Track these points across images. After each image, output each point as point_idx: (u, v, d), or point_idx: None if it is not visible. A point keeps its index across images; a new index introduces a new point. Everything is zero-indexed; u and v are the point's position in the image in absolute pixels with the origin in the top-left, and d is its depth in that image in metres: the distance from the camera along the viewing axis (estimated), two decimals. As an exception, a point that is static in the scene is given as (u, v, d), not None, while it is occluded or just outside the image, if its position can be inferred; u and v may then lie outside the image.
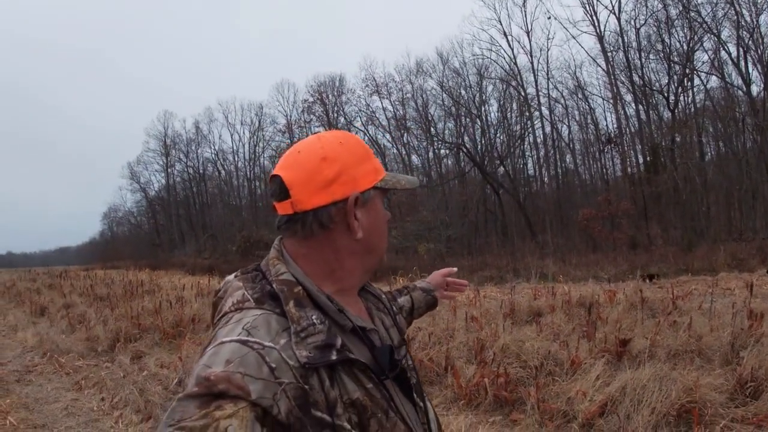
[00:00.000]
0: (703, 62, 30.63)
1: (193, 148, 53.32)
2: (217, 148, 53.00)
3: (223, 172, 53.50)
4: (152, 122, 74.40)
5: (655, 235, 26.80)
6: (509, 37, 37.19)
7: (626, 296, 9.82)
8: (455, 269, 1.88)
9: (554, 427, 4.69)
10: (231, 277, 1.07)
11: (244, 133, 51.34)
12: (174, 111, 77.13)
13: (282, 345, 0.89)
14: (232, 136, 54.65)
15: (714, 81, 30.77)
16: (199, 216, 53.53)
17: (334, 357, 0.91)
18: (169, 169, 54.01)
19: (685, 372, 5.08)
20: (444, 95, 40.36)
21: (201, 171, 53.70)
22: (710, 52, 30.03)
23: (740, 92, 29.50)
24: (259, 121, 50.10)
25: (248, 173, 51.81)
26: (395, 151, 44.68)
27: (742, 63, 28.68)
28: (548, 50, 38.14)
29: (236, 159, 52.03)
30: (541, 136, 38.51)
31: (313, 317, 0.94)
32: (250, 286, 1.01)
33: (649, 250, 23.78)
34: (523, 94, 37.88)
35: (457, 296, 1.95)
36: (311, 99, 45.29)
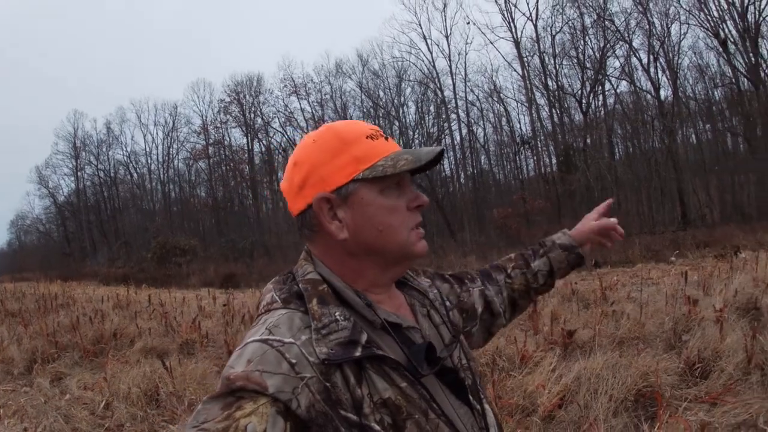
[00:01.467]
0: (615, 68, 32.65)
1: (104, 149, 49.85)
2: (129, 149, 49.92)
3: (135, 175, 50.75)
4: (61, 123, 69.78)
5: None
6: (429, 41, 38.02)
7: (557, 289, 10.03)
8: (614, 219, 1.51)
9: (515, 422, 4.66)
10: (270, 282, 1.06)
11: (157, 134, 48.98)
12: (85, 111, 72.29)
13: (303, 341, 0.88)
14: (144, 137, 51.54)
15: (624, 86, 32.89)
16: (111, 222, 50.43)
17: (358, 353, 0.88)
18: (79, 173, 50.16)
19: (634, 358, 5.21)
20: (363, 97, 40.79)
21: (112, 174, 50.53)
22: (621, 59, 32.07)
23: (649, 96, 31.53)
24: (174, 122, 47.85)
25: (162, 176, 49.38)
26: (313, 152, 44.49)
27: (652, 69, 30.74)
28: (466, 54, 39.18)
29: (149, 161, 49.47)
30: (458, 138, 39.70)
31: (337, 314, 0.92)
32: (279, 287, 1.01)
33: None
34: (440, 96, 38.90)
35: (609, 245, 1.53)
36: (228, 99, 44.36)
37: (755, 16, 27.45)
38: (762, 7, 27.13)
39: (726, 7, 27.94)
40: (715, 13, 28.41)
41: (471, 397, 1.04)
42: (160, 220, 46.51)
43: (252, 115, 44.11)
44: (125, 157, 50.00)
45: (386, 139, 1.03)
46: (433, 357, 0.98)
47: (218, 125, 45.19)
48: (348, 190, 0.98)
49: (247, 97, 44.15)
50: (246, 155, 45.31)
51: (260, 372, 0.82)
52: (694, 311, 6.16)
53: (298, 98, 42.59)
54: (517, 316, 1.51)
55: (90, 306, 12.96)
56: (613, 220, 1.49)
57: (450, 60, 37.84)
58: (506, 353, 6.03)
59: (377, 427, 0.87)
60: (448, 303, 1.23)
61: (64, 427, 5.33)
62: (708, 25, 28.75)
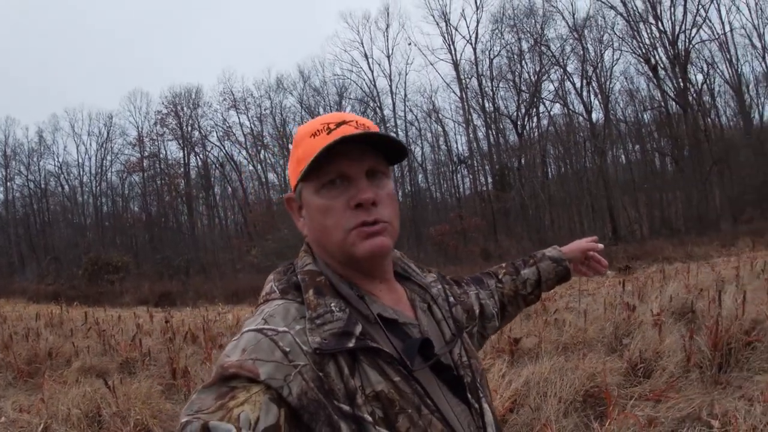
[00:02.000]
0: (550, 92, 34.28)
1: (35, 159, 46.86)
2: (61, 160, 47.15)
3: (66, 187, 48.09)
4: (-8, 129, 65.63)
5: (507, 246, 28.67)
6: (370, 60, 38.70)
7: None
8: (601, 246, 1.64)
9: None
10: (271, 273, 1.07)
11: (91, 144, 46.81)
12: (17, 117, 68.25)
13: (297, 330, 0.89)
14: (77, 147, 48.83)
15: (558, 108, 34.47)
16: (40, 236, 47.45)
17: (351, 344, 0.89)
18: (8, 183, 47.03)
19: (579, 362, 5.42)
20: (303, 113, 40.71)
21: (43, 186, 47.62)
22: (556, 83, 33.66)
23: (581, 118, 33.11)
24: (108, 132, 45.57)
25: (94, 189, 47.02)
26: (251, 168, 44.08)
27: (585, 93, 32.46)
28: (406, 75, 39.92)
29: (82, 173, 46.83)
30: (395, 156, 39.96)
31: (332, 305, 0.93)
32: (278, 278, 1.02)
33: (503, 260, 25.25)
34: (380, 115, 39.44)
35: (593, 275, 1.66)
36: (165, 111, 43.07)
37: (685, 44, 29.46)
38: (692, 35, 29.05)
39: (657, 35, 29.86)
40: (647, 41, 30.42)
41: (469, 395, 1.03)
42: (92, 235, 44.40)
43: (189, 128, 43.16)
44: (57, 168, 47.33)
45: (329, 132, 0.98)
46: (429, 353, 0.98)
47: (154, 137, 43.81)
48: (299, 190, 1.02)
49: (185, 109, 43.20)
50: (182, 169, 44.12)
51: (253, 360, 0.83)
52: (633, 316, 6.48)
53: (237, 112, 42.32)
54: (506, 323, 1.55)
55: (21, 324, 12.30)
56: (601, 246, 1.62)
57: (390, 79, 38.67)
58: (455, 361, 6.13)
59: (369, 419, 0.86)
60: (452, 299, 1.20)
61: (1, 452, 5.06)
62: (640, 51, 30.71)
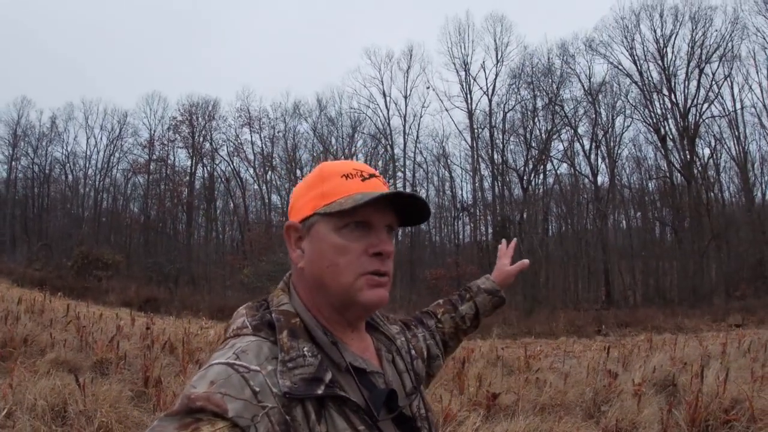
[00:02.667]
0: (559, 150, 34.72)
1: (44, 144, 46.93)
2: (69, 149, 47.18)
3: (70, 176, 48.06)
4: (7, 106, 65.29)
5: (499, 299, 28.54)
6: (387, 98, 39.19)
7: (483, 353, 10.26)
8: (527, 262, 1.75)
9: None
10: (241, 307, 1.06)
11: (101, 138, 46.81)
12: (33, 99, 68.48)
13: (268, 371, 0.89)
14: (88, 139, 49.10)
15: (565, 168, 34.85)
16: (36, 221, 47.09)
17: (320, 391, 0.89)
18: (13, 162, 46.85)
19: (554, 424, 5.35)
20: (315, 140, 40.98)
21: (47, 171, 47.46)
22: (566, 143, 34.16)
23: (587, 180, 33.38)
24: (120, 130, 45.75)
25: (97, 183, 46.86)
26: (256, 187, 44.04)
27: (593, 155, 32.81)
28: (421, 117, 40.19)
29: (87, 165, 46.78)
30: (401, 197, 40.16)
31: (305, 349, 0.93)
32: (251, 314, 1.01)
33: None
34: (390, 153, 39.68)
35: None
36: (180, 118, 43.30)
37: (696, 117, 29.87)
38: (703, 109, 29.45)
39: (669, 106, 30.28)
40: (659, 111, 30.79)
41: None
42: (87, 228, 44.26)
43: (201, 139, 43.35)
44: (64, 156, 47.43)
45: (364, 180, 1.03)
46: (393, 404, 1.00)
47: (165, 142, 43.92)
48: (311, 223, 1.02)
49: (200, 119, 43.43)
50: (187, 178, 44.12)
51: (222, 395, 0.82)
52: (614, 384, 6.41)
53: (250, 130, 42.54)
54: (449, 356, 1.61)
55: (2, 306, 12.16)
56: (527, 261, 1.75)
57: (405, 120, 39.10)
58: (429, 412, 6.03)
59: None
60: (413, 352, 1.24)
61: (-37, 433, 4.96)
62: (650, 121, 31.14)
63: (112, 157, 46.14)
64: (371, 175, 1.04)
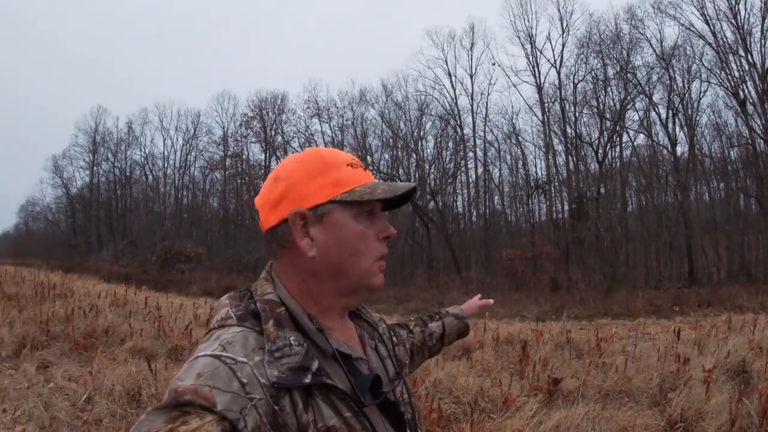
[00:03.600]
0: (634, 121, 32.83)
1: (123, 148, 50.06)
2: (147, 151, 50.19)
3: (150, 177, 50.93)
4: (84, 116, 70.23)
5: (576, 278, 27.74)
6: (453, 78, 38.46)
7: (552, 336, 9.98)
8: (491, 301, 1.85)
9: (488, 465, 4.59)
10: (224, 297, 1.05)
11: (177, 139, 49.27)
12: (108, 107, 72.73)
13: (255, 362, 0.88)
14: (164, 141, 51.79)
15: (642, 139, 32.99)
16: (120, 221, 50.41)
17: (307, 380, 0.89)
18: (95, 168, 50.22)
19: (616, 412, 5.13)
20: (384, 126, 41.00)
21: (128, 173, 50.67)
22: (641, 112, 32.28)
23: (665, 151, 31.61)
24: (195, 130, 48.15)
25: (176, 181, 49.55)
26: (329, 175, 44.67)
27: (670, 124, 30.83)
28: (488, 95, 39.24)
29: (166, 165, 49.68)
30: (473, 176, 39.82)
31: (291, 338, 0.93)
32: (235, 304, 1.00)
33: (571, 292, 24.55)
34: (459, 133, 39.09)
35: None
36: (251, 114, 44.57)
37: (775, 79, 27.56)
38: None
39: (747, 68, 28.07)
40: (736, 74, 28.52)
41: (409, 431, 1.07)
42: (169, 224, 46.62)
43: (272, 133, 44.45)
44: (142, 158, 50.35)
45: (364, 170, 1.07)
46: (378, 389, 1.00)
47: (238, 138, 45.52)
48: (324, 210, 1.00)
49: (270, 114, 44.50)
50: (262, 171, 45.40)
51: (210, 387, 0.81)
52: (683, 370, 6.06)
53: (320, 121, 43.01)
54: (412, 371, 1.62)
55: (87, 300, 12.87)
56: (491, 301, 1.86)
57: (472, 99, 38.25)
58: (490, 395, 5.96)
59: None
60: (395, 339, 1.27)
61: (43, 414, 5.33)
62: (728, 84, 28.86)
63: (188, 156, 48.59)
64: (365, 166, 1.09)
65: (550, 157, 34.99)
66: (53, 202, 57.04)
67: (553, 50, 35.58)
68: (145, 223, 48.90)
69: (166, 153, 49.54)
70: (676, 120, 30.72)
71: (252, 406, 0.83)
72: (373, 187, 1.03)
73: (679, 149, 30.69)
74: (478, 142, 38.94)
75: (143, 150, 50.34)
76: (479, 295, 1.87)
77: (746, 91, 28.41)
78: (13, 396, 5.88)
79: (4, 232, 79.24)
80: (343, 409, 0.92)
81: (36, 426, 5.15)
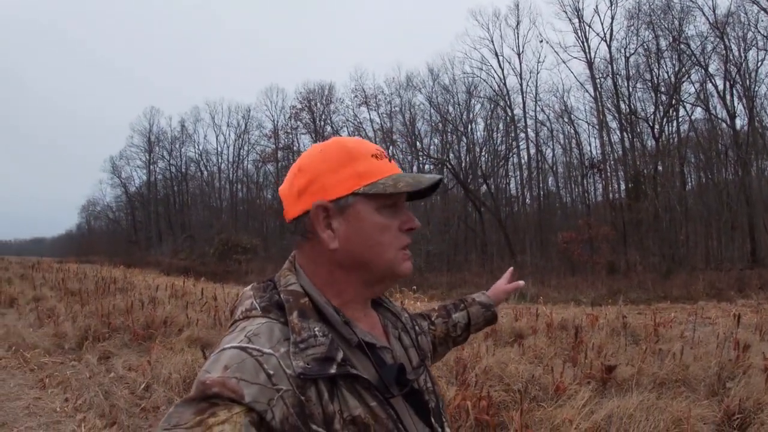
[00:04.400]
0: (690, 94, 31.32)
1: (177, 146, 52.45)
2: (201, 148, 52.20)
3: (205, 172, 52.80)
4: (138, 118, 72.74)
5: (634, 261, 27.00)
6: (500, 58, 37.74)
7: (608, 321, 9.77)
8: (521, 283, 1.76)
9: (538, 453, 4.56)
10: (247, 287, 1.06)
11: (229, 135, 50.99)
12: (160, 108, 75.44)
13: (281, 353, 0.88)
14: (217, 137, 53.97)
15: (699, 113, 31.48)
16: (178, 216, 52.54)
17: (333, 370, 0.89)
18: (151, 166, 52.90)
19: (671, 402, 5.00)
20: (432, 111, 40.83)
21: (183, 170, 52.81)
22: (697, 85, 30.78)
23: (724, 125, 30.15)
24: (246, 124, 49.62)
25: (231, 176, 51.23)
26: (379, 162, 44.84)
27: (728, 96, 29.33)
28: (538, 73, 38.46)
29: (220, 161, 51.43)
30: (525, 158, 39.16)
31: (316, 329, 0.93)
32: (259, 295, 1.01)
33: (628, 275, 23.93)
34: (510, 114, 38.43)
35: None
36: (299, 106, 45.27)
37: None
38: None
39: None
40: None
41: (433, 420, 1.06)
42: (226, 217, 47.96)
43: (322, 123, 44.96)
44: (197, 155, 52.26)
45: (389, 160, 1.06)
46: (404, 379, 1.01)
47: (288, 131, 46.40)
48: (347, 202, 1.00)
49: (318, 105, 45.13)
50: (314, 162, 46.11)
51: (237, 380, 0.82)
52: (743, 357, 5.85)
53: (368, 109, 43.21)
54: (436, 361, 1.61)
55: (147, 293, 13.40)
56: (521, 283, 1.76)
57: (521, 78, 37.49)
58: (541, 383, 5.91)
59: None
60: (417, 328, 1.26)
61: (103, 402, 5.62)
62: None
63: (241, 151, 50.05)
64: (390, 156, 1.08)
65: (604, 134, 33.94)
66: (113, 201, 59.89)
67: (602, 23, 34.86)
68: (202, 218, 50.57)
69: (219, 149, 51.41)
70: (734, 91, 29.13)
71: (279, 397, 0.84)
72: (396, 179, 1.02)
73: (738, 122, 29.11)
74: (530, 122, 38.23)
75: (197, 147, 52.32)
76: (507, 275, 1.78)
77: (807, 58, 26.79)
78: (75, 386, 6.21)
79: (67, 231, 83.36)
80: (368, 398, 0.93)
81: (96, 414, 5.43)
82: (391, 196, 1.02)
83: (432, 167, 39.98)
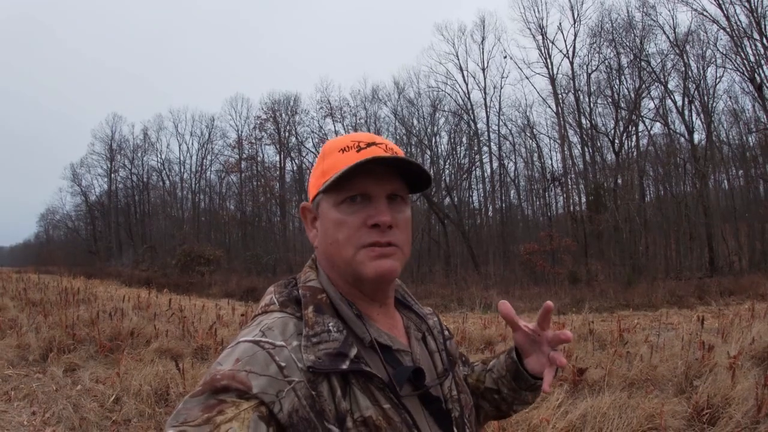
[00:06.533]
0: (649, 109, 32.42)
1: (139, 155, 50.96)
2: (163, 157, 51.00)
3: (167, 182, 51.66)
4: (100, 124, 71.39)
5: (596, 271, 27.56)
6: (465, 73, 38.34)
7: (574, 328, 9.98)
8: (550, 304, 1.17)
9: (516, 454, 4.63)
10: (273, 285, 1.07)
11: (192, 144, 49.92)
12: (123, 115, 73.94)
13: (293, 347, 0.89)
14: (180, 146, 53.37)
15: (658, 127, 32.61)
16: (139, 226, 51.18)
17: (345, 366, 0.88)
18: (112, 175, 51.17)
19: (642, 400, 5.14)
20: (397, 123, 41.07)
21: (145, 179, 51.47)
22: (656, 100, 31.87)
23: (683, 139, 31.26)
24: (209, 134, 48.79)
25: (193, 185, 50.18)
26: (342, 175, 44.90)
27: (687, 112, 30.48)
28: (501, 88, 39.02)
29: (182, 170, 50.34)
30: (488, 171, 39.73)
31: (330, 324, 0.93)
32: (279, 291, 1.02)
33: (590, 285, 24.39)
34: (473, 128, 38.95)
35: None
36: (264, 116, 44.86)
37: (793, 62, 27.07)
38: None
39: (762, 51, 27.57)
40: (752, 58, 28.01)
41: (455, 430, 1.03)
42: (188, 228, 47.04)
43: (287, 134, 44.70)
44: (159, 164, 51.06)
45: (358, 150, 1.00)
46: (419, 382, 0.99)
47: (253, 141, 45.77)
48: (317, 201, 1.04)
49: (283, 115, 44.79)
50: (277, 172, 45.78)
51: (247, 372, 0.82)
52: (708, 357, 6.06)
53: (333, 120, 43.07)
54: (484, 422, 1.35)
55: (110, 304, 13.04)
56: (550, 305, 1.17)
57: (485, 93, 38.10)
58: (514, 386, 5.98)
59: None
60: (446, 332, 1.21)
61: (72, 415, 5.46)
62: (744, 69, 28.37)
63: (204, 160, 49.32)
64: (370, 144, 1.02)
65: (565, 149, 34.73)
66: (73, 210, 57.88)
67: (565, 41, 35.52)
68: (163, 228, 49.43)
69: (182, 158, 50.40)
70: (693, 107, 30.33)
71: (290, 389, 0.83)
72: (341, 168, 0.97)
73: (696, 137, 30.31)
74: (492, 136, 38.91)
75: (159, 156, 51.22)
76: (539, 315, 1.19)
77: (763, 74, 27.86)
78: (41, 399, 6.01)
79: (25, 241, 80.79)
80: (381, 399, 0.90)
81: (66, 427, 5.28)
82: (346, 188, 0.98)
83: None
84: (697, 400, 4.96)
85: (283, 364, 0.85)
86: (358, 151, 1.00)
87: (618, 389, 5.77)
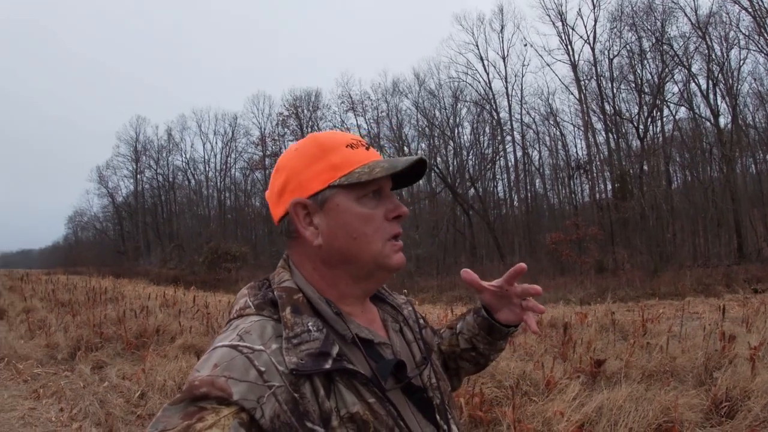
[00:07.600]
0: (673, 94, 31.71)
1: (164, 155, 52.02)
2: (188, 156, 51.83)
3: (193, 181, 52.45)
4: (124, 126, 72.40)
5: (622, 259, 27.21)
6: (485, 62, 38.02)
7: (597, 318, 9.89)
8: (522, 265, 1.20)
9: (531, 447, 4.62)
10: (244, 287, 1.05)
11: (216, 143, 50.73)
12: (147, 116, 75.13)
13: (273, 350, 0.87)
14: (204, 145, 53.69)
15: (683, 112, 31.88)
16: (166, 225, 52.14)
17: (328, 365, 0.87)
18: (138, 176, 52.39)
19: (659, 392, 5.09)
20: (419, 115, 40.97)
21: (171, 179, 52.37)
22: (680, 84, 31.16)
23: (708, 123, 30.52)
24: (233, 132, 49.49)
25: (218, 184, 51.02)
26: (367, 169, 45.00)
27: (711, 95, 29.74)
28: (523, 76, 38.63)
29: (207, 169, 51.18)
30: (512, 160, 39.33)
31: (309, 324, 0.92)
32: (253, 293, 0.99)
33: (617, 274, 24.11)
34: (496, 118, 38.58)
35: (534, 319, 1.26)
36: (286, 113, 45.21)
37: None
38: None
39: (787, 30, 26.87)
40: None
41: (438, 417, 1.03)
42: (214, 226, 47.72)
43: (309, 129, 44.78)
44: (184, 164, 51.94)
45: (367, 148, 1.03)
46: (401, 374, 0.99)
47: (276, 138, 46.24)
48: (324, 197, 0.99)
49: (305, 111, 45.11)
50: (302, 169, 46.06)
51: (226, 378, 0.81)
52: (729, 348, 5.96)
53: (354, 115, 43.26)
54: (456, 387, 1.39)
55: (138, 302, 13.29)
56: (523, 266, 1.21)
57: (506, 81, 37.79)
58: (532, 378, 5.96)
59: None
60: (421, 321, 1.23)
61: (98, 410, 5.63)
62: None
63: (228, 159, 49.94)
64: (368, 145, 1.06)
65: (589, 136, 34.23)
66: (100, 212, 59.21)
67: (585, 26, 35.16)
68: (190, 226, 50.28)
69: (206, 157, 51.14)
70: (717, 90, 29.59)
71: (271, 394, 0.82)
72: (372, 166, 0.99)
73: (722, 121, 29.57)
74: (516, 125, 38.60)
75: (184, 155, 52.06)
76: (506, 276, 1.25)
77: (787, 55, 27.24)
78: (69, 396, 6.20)
79: (54, 243, 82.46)
80: (366, 394, 0.90)
81: (92, 422, 5.44)
82: (371, 183, 0.99)
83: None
84: (715, 392, 4.89)
85: (262, 368, 0.84)
86: (366, 150, 1.03)
87: (636, 381, 5.71)
